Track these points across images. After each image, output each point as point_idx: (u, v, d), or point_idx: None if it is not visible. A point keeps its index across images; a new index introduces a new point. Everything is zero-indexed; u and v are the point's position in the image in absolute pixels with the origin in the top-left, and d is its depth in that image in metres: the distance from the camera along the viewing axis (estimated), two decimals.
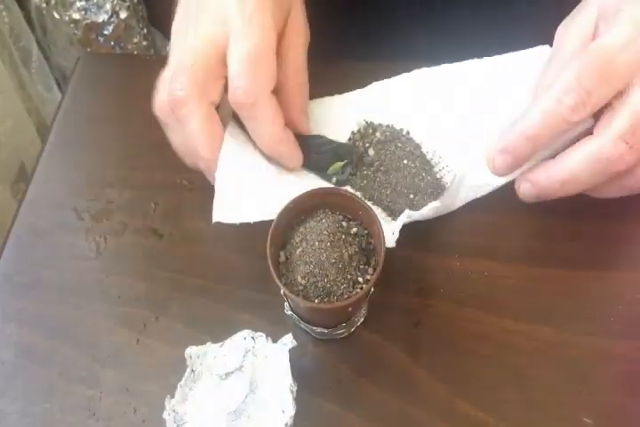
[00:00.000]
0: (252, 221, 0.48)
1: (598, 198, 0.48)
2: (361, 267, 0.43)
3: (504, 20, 0.62)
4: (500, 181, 0.51)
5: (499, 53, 0.56)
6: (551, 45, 0.52)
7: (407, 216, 0.48)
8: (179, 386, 0.43)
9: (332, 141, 0.53)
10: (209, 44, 0.46)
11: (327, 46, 0.57)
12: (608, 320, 0.48)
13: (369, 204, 0.52)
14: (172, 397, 0.43)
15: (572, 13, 0.48)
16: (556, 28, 0.50)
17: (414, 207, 0.51)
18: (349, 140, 0.55)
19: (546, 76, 0.48)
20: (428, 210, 0.49)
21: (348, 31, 0.67)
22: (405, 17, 0.65)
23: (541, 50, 0.56)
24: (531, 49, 0.56)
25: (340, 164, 0.52)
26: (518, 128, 0.45)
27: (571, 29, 0.47)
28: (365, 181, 0.53)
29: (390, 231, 0.48)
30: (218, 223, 0.49)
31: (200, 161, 0.49)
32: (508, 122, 0.48)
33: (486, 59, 0.57)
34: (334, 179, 0.52)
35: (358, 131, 0.55)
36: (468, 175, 0.50)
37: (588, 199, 0.49)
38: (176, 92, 0.46)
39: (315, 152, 0.52)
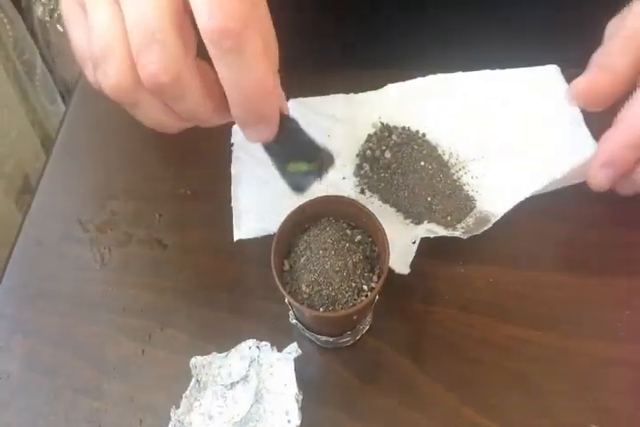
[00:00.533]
0: (272, 233, 0.49)
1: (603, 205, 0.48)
2: (365, 275, 0.43)
3: (500, 25, 0.62)
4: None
5: (497, 60, 0.58)
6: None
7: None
8: (184, 396, 0.43)
9: (304, 132, 0.42)
10: None
11: (330, 54, 0.57)
12: (614, 326, 0.48)
13: (386, 206, 0.53)
14: (178, 407, 0.43)
15: (622, 12, 0.47)
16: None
17: (432, 210, 0.52)
18: (365, 142, 0.55)
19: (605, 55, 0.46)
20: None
21: (354, 40, 0.67)
22: (405, 23, 0.66)
23: (550, 69, 0.57)
24: (540, 67, 0.57)
25: (304, 166, 0.42)
26: (618, 138, 0.43)
27: (620, 30, 0.46)
28: (383, 184, 0.53)
29: (410, 239, 0.49)
30: (239, 240, 0.50)
31: (205, 123, 0.41)
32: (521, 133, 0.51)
33: (497, 71, 0.58)
34: (290, 179, 0.43)
35: (374, 134, 0.55)
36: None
37: (593, 206, 0.49)
38: (160, 78, 0.35)
39: (281, 137, 0.41)
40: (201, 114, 0.39)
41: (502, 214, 0.50)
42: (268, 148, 0.41)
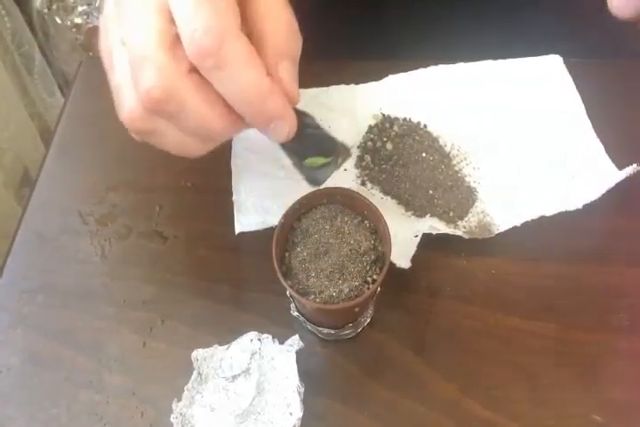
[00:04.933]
0: (273, 225, 0.49)
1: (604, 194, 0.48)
2: (367, 267, 0.43)
3: (507, 24, 0.62)
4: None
5: (498, 53, 0.58)
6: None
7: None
8: (186, 389, 0.43)
9: (320, 127, 0.41)
10: (152, 8, 0.35)
11: (336, 47, 0.57)
12: (617, 316, 0.48)
13: (387, 198, 0.52)
14: (180, 400, 0.43)
15: None
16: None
17: (433, 204, 0.51)
18: (367, 133, 0.55)
19: None
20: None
21: (356, 31, 0.67)
22: (406, 15, 0.66)
23: (553, 58, 0.57)
24: (543, 57, 0.57)
25: (321, 160, 0.41)
26: None
27: None
28: (384, 175, 0.53)
29: (412, 233, 0.49)
30: (240, 233, 0.50)
31: (218, 137, 0.40)
32: (522, 124, 0.51)
33: (500, 61, 0.58)
34: (307, 174, 0.42)
35: (376, 125, 0.55)
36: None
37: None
38: (155, 95, 0.35)
39: (298, 133, 0.40)
40: (210, 125, 0.38)
41: (506, 229, 0.51)
42: (284, 144, 0.40)
